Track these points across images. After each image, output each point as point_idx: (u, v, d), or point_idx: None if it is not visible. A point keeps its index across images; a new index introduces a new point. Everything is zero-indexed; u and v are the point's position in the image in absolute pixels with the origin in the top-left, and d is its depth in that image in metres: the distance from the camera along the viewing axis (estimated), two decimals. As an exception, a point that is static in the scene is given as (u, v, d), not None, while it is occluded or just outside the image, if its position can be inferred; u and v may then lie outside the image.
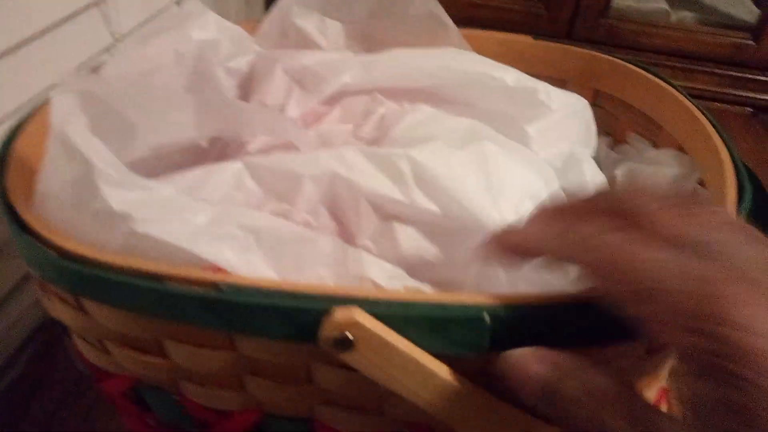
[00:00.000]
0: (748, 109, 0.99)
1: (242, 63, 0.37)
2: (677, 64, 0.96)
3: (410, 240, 0.28)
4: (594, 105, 0.41)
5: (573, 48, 0.40)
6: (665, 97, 0.35)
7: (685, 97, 0.34)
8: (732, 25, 0.97)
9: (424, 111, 0.33)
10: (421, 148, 0.27)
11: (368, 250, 0.28)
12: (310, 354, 0.22)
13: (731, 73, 0.96)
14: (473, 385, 0.22)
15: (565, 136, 0.33)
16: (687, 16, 1.01)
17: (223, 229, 0.22)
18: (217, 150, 0.35)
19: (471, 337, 0.21)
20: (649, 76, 0.36)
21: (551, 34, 1.03)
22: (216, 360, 0.24)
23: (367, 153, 0.27)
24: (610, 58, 0.38)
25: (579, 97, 0.35)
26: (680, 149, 0.34)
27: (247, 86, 0.37)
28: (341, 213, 0.27)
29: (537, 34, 1.14)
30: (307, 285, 0.20)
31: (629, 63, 0.37)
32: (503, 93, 0.33)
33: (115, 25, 0.50)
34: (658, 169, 0.33)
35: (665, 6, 0.98)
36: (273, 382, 0.24)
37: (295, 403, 0.25)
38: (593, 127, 0.35)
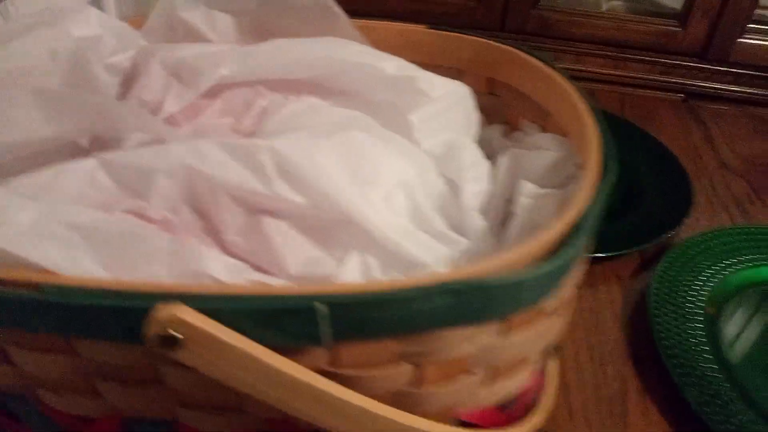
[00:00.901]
0: (680, 95, 1.01)
1: (124, 59, 0.36)
2: (609, 53, 0.97)
3: (282, 235, 0.28)
4: (490, 93, 0.41)
5: (466, 36, 0.39)
6: (550, 82, 0.35)
7: (568, 81, 0.35)
8: (660, 12, 0.99)
9: (304, 102, 0.33)
10: (284, 139, 0.27)
11: (236, 246, 0.28)
12: (153, 355, 0.22)
13: (661, 60, 0.97)
14: (320, 377, 0.22)
15: (447, 124, 0.33)
16: (617, 5, 1.02)
17: (47, 228, 0.21)
18: (96, 149, 0.34)
19: (306, 328, 0.20)
20: (535, 62, 0.36)
21: (485, 27, 1.04)
22: (60, 365, 0.23)
23: (224, 145, 0.26)
24: (501, 45, 0.38)
25: (461, 84, 0.35)
26: (564, 134, 0.34)
27: (128, 83, 0.36)
28: (204, 209, 0.27)
29: (472, 27, 1.15)
30: (130, 282, 0.20)
31: (520, 50, 0.37)
32: (385, 82, 0.33)
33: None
34: (539, 153, 0.33)
35: (596, -5, 0.99)
36: (124, 385, 0.23)
37: (154, 407, 0.24)
38: (475, 114, 0.35)
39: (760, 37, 0.91)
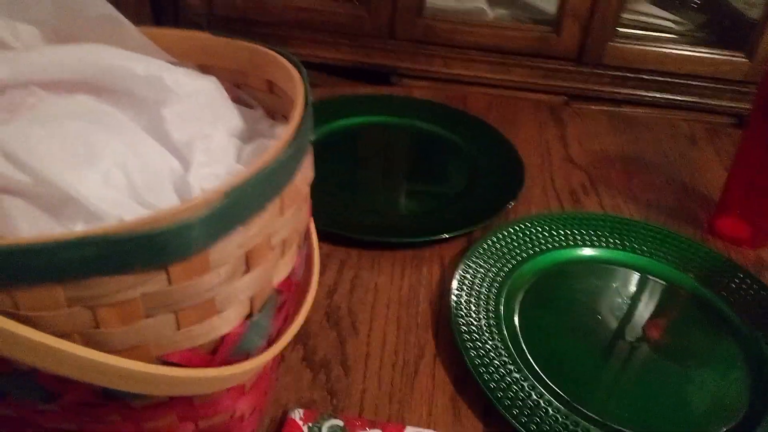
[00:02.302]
0: (563, 97, 1.07)
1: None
2: (493, 59, 1.03)
3: (17, 209, 0.33)
4: (270, 92, 0.46)
5: (240, 42, 0.45)
6: (295, 82, 0.41)
7: (303, 78, 0.40)
8: (541, 19, 1.05)
9: (68, 100, 0.38)
10: (5, 127, 0.32)
11: (-23, 221, 0.33)
12: None
13: (541, 64, 1.03)
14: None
15: (196, 117, 0.38)
16: (504, 13, 1.08)
17: None
18: None
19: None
20: (285, 62, 0.42)
21: (374, 35, 1.09)
22: None
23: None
24: (262, 48, 0.43)
25: (210, 80, 0.40)
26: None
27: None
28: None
29: (362, 35, 1.20)
30: None
31: (277, 53, 0.43)
32: (137, 81, 0.38)
33: None
34: (272, 141, 0.38)
35: (483, 5, 1.06)
36: None
37: None
38: (223, 108, 0.40)
39: (630, 41, 0.97)
